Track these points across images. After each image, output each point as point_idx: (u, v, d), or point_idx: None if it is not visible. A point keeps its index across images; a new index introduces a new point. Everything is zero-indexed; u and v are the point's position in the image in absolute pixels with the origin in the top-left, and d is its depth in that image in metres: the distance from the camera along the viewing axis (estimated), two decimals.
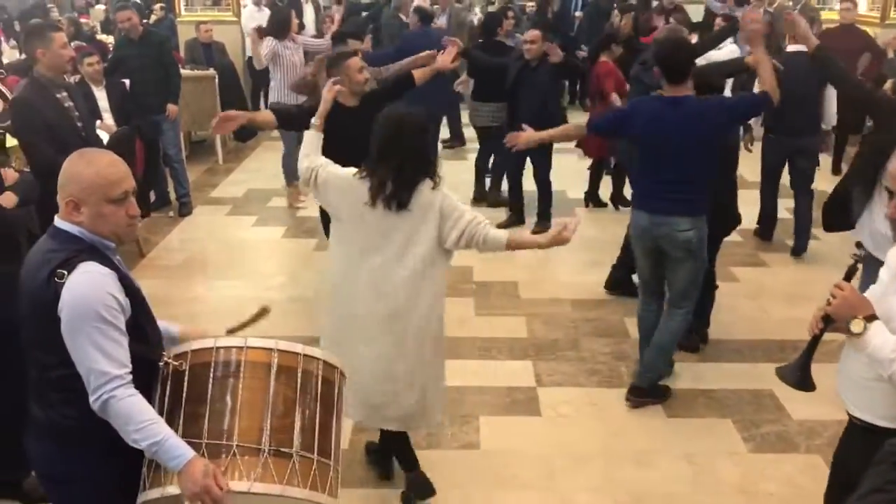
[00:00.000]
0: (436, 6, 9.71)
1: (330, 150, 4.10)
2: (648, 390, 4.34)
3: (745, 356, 4.77)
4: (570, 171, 8.08)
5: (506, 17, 7.89)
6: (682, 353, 4.72)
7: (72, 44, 7.89)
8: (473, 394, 4.44)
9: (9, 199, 3.48)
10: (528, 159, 6.84)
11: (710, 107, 4.04)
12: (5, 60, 8.79)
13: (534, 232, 6.73)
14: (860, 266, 2.40)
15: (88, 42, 9.66)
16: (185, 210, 7.29)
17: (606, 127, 4.46)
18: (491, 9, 13.43)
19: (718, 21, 8.00)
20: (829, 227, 4.33)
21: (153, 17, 11.08)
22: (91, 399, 2.10)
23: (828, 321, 2.29)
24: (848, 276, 2.35)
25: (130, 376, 2.13)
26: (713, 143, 4.02)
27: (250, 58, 9.74)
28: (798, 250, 6.29)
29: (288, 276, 6.14)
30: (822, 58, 4.13)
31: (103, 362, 2.09)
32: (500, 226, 6.81)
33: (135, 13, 7.27)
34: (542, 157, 6.77)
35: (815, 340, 2.39)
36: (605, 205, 7.60)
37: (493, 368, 4.71)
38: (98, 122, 5.95)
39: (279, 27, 7.24)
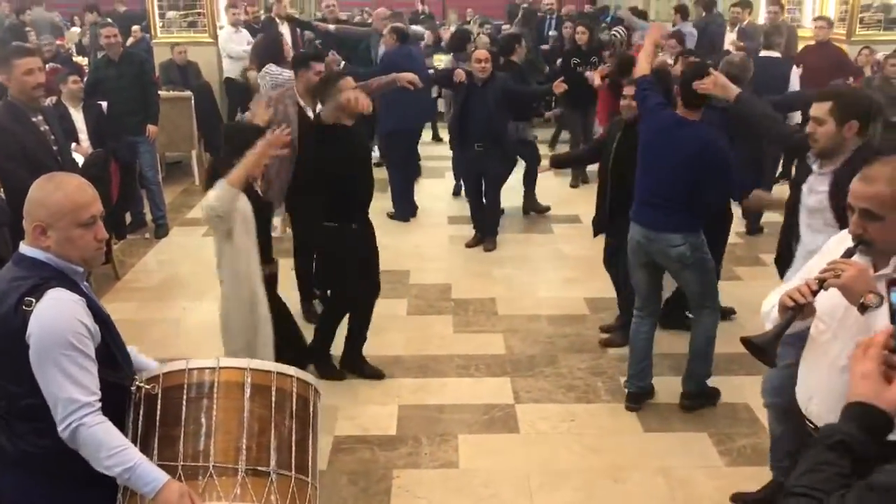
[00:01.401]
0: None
1: (336, 171, 4.19)
2: (700, 394, 4.42)
3: (721, 369, 4.80)
4: (553, 191, 8.15)
5: (518, 44, 8.06)
6: (658, 367, 4.75)
7: (48, 66, 7.90)
8: (452, 412, 4.44)
9: None
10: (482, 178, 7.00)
11: (711, 145, 4.07)
12: None
13: (485, 248, 6.94)
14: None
15: (65, 64, 9.63)
16: (161, 232, 7.26)
17: (643, 93, 4.36)
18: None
19: (672, 43, 8.21)
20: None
21: (130, 39, 11.07)
22: (60, 428, 2.08)
23: (818, 291, 2.20)
24: (848, 255, 2.27)
25: (100, 403, 2.11)
26: (710, 173, 4.05)
27: (227, 78, 9.79)
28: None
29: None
30: (745, 101, 3.93)
31: (72, 390, 2.07)
32: (467, 245, 6.91)
33: (118, 31, 7.27)
34: (495, 176, 6.94)
35: (798, 310, 2.24)
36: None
37: (472, 386, 4.71)
38: (74, 144, 5.92)
39: (273, 49, 7.07)
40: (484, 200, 7.05)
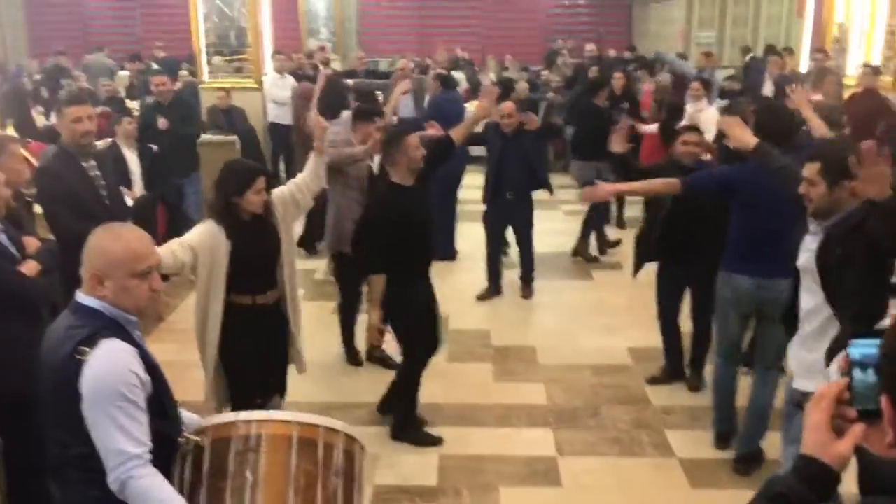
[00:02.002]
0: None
1: (398, 234, 4.19)
2: (752, 455, 4.30)
3: (772, 424, 4.67)
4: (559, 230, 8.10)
5: (604, 86, 8.29)
6: (703, 420, 4.65)
7: (99, 108, 8.11)
8: (493, 463, 4.37)
9: (31, 268, 3.48)
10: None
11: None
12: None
13: (523, 295, 6.88)
14: None
15: (116, 107, 9.90)
16: None
17: (705, 188, 4.35)
18: (506, 75, 13.70)
19: (695, 86, 8.19)
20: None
21: (178, 84, 11.35)
22: (110, 479, 2.08)
23: None
24: None
25: (150, 455, 2.11)
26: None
27: (271, 123, 9.95)
28: None
29: (304, 341, 6.10)
30: (762, 152, 3.81)
31: (123, 441, 2.08)
32: (479, 297, 6.85)
33: (169, 79, 7.47)
34: (526, 224, 6.86)
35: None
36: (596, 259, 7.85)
37: (513, 436, 4.64)
38: (126, 190, 6.05)
39: (340, 101, 6.84)
40: (517, 249, 7.02)
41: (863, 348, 1.35)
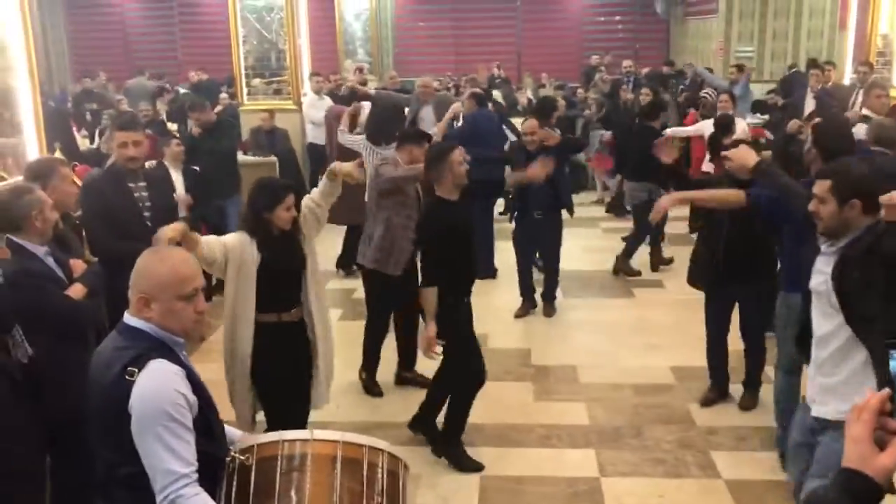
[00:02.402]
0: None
1: (448, 248, 4.27)
2: None
3: None
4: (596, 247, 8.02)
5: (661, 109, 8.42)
6: (750, 441, 4.55)
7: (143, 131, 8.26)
8: (534, 484, 4.32)
9: (77, 291, 3.52)
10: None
11: None
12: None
13: (546, 314, 6.81)
14: None
15: (158, 130, 10.07)
16: None
17: (770, 204, 4.20)
18: (543, 92, 13.69)
19: (723, 98, 8.21)
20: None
21: (218, 107, 11.52)
22: (158, 499, 2.10)
23: None
24: None
25: (197, 475, 2.12)
26: None
27: (310, 143, 10.05)
28: None
29: (342, 361, 6.10)
30: (763, 171, 3.76)
31: (171, 461, 2.09)
32: (516, 315, 6.80)
33: (207, 109, 7.58)
34: (554, 242, 6.81)
35: None
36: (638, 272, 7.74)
37: (554, 457, 4.59)
38: (183, 197, 6.20)
39: (389, 127, 6.31)
40: (540, 266, 6.99)
41: None
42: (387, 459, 2.33)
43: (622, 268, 7.79)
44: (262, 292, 3.83)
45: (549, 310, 6.88)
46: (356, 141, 6.68)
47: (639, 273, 7.77)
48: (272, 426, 3.94)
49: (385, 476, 2.30)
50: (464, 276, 4.48)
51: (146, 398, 2.11)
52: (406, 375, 5.58)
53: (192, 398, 2.18)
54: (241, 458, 2.23)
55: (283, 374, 3.93)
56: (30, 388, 3.04)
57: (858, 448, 1.32)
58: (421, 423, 4.76)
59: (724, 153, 3.99)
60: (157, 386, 2.13)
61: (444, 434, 4.60)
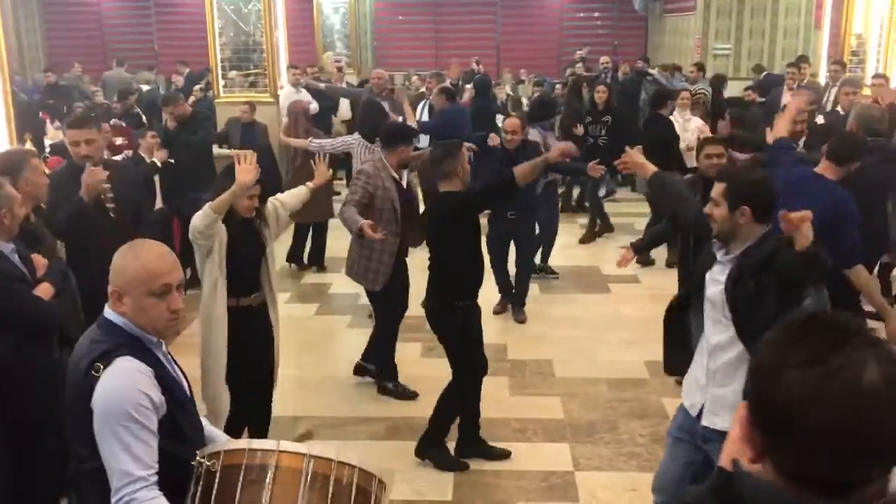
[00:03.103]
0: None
1: (456, 240, 4.28)
2: None
3: None
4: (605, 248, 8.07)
5: (667, 98, 8.41)
6: None
7: (112, 122, 8.18)
8: (509, 478, 4.33)
9: (45, 290, 3.43)
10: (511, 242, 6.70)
11: (840, 203, 4.06)
12: (49, 142, 9.05)
13: (517, 320, 6.64)
14: None
15: (134, 122, 9.97)
16: None
17: (781, 151, 4.50)
18: (521, 88, 13.70)
19: (684, 95, 8.32)
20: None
21: (192, 98, 11.40)
22: (113, 499, 2.06)
23: None
24: None
25: (156, 477, 2.08)
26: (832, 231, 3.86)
27: None
28: None
29: (320, 355, 6.10)
30: (656, 180, 3.76)
31: (128, 462, 2.05)
32: (494, 311, 6.67)
33: (181, 102, 7.49)
34: (529, 243, 6.72)
35: None
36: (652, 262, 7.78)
37: (529, 451, 4.60)
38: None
39: (376, 126, 6.31)
40: (514, 268, 6.80)
41: None
42: (358, 476, 2.22)
43: (643, 260, 7.64)
44: (229, 277, 3.97)
45: (520, 315, 6.68)
46: (347, 142, 6.71)
47: (653, 262, 7.80)
48: (236, 412, 4.09)
49: (354, 493, 2.20)
50: (474, 278, 4.39)
51: (107, 396, 2.07)
52: (365, 365, 5.51)
53: (159, 399, 2.13)
54: (208, 462, 2.16)
55: (243, 358, 4.04)
56: None
57: (734, 447, 1.30)
58: (429, 447, 4.52)
59: (619, 161, 3.97)
60: (119, 384, 2.09)
61: (432, 433, 4.49)
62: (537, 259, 7.43)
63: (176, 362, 2.39)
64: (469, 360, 4.42)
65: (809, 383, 1.14)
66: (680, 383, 5.19)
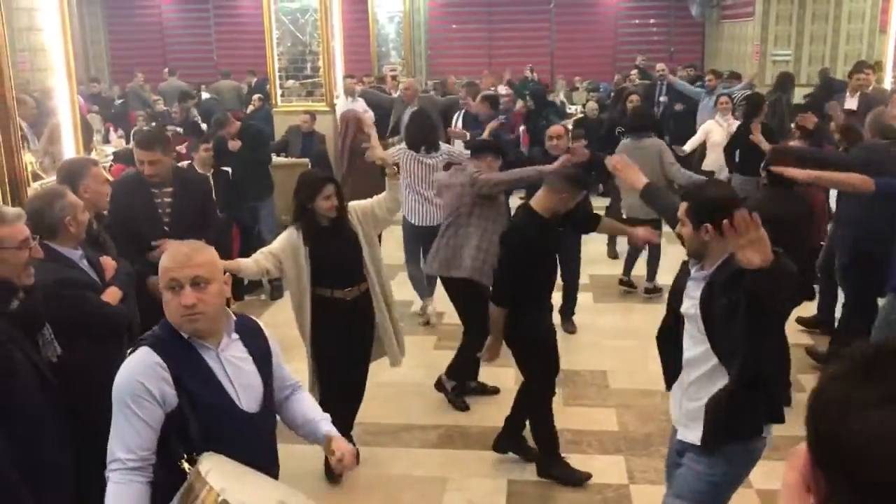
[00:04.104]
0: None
1: (533, 258, 4.29)
2: None
3: None
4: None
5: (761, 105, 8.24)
6: (784, 451, 4.49)
7: (169, 128, 8.35)
8: (563, 490, 4.30)
9: (114, 295, 3.53)
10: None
11: None
12: (110, 149, 9.28)
13: (567, 330, 6.38)
14: None
15: (192, 129, 10.18)
16: (276, 294, 7.44)
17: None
18: (576, 95, 13.63)
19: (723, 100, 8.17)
20: None
21: (250, 108, 11.61)
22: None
23: None
24: None
25: (138, 464, 2.20)
26: None
27: None
28: None
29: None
30: (648, 192, 3.73)
31: (115, 443, 2.22)
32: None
33: (231, 122, 7.60)
34: (571, 257, 6.49)
35: None
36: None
37: (583, 463, 4.55)
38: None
39: (423, 136, 6.52)
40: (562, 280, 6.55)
41: None
42: None
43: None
44: (316, 273, 4.25)
45: (569, 326, 6.61)
46: (394, 153, 6.76)
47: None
48: (323, 391, 4.39)
49: None
50: (546, 285, 4.44)
51: (118, 379, 2.27)
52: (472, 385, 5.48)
53: (164, 393, 2.22)
54: (186, 467, 2.19)
55: (333, 345, 4.34)
56: (58, 384, 3.07)
57: (790, 497, 1.27)
58: (509, 442, 4.60)
59: (612, 164, 3.99)
60: (125, 371, 2.26)
61: (543, 454, 4.46)
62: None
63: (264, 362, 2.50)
64: (546, 377, 4.49)
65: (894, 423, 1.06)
66: None
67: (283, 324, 6.83)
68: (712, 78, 11.36)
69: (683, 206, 3.02)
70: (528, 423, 4.54)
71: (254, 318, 2.73)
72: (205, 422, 2.27)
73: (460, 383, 5.40)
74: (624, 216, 7.26)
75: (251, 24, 16.45)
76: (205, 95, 13.86)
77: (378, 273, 4.45)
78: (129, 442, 2.20)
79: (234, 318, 2.49)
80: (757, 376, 2.91)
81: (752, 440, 3.03)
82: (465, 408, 5.28)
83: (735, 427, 2.97)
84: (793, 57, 13.78)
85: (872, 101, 8.70)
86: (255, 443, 2.41)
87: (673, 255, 7.71)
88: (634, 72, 13.38)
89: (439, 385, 5.43)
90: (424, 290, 6.81)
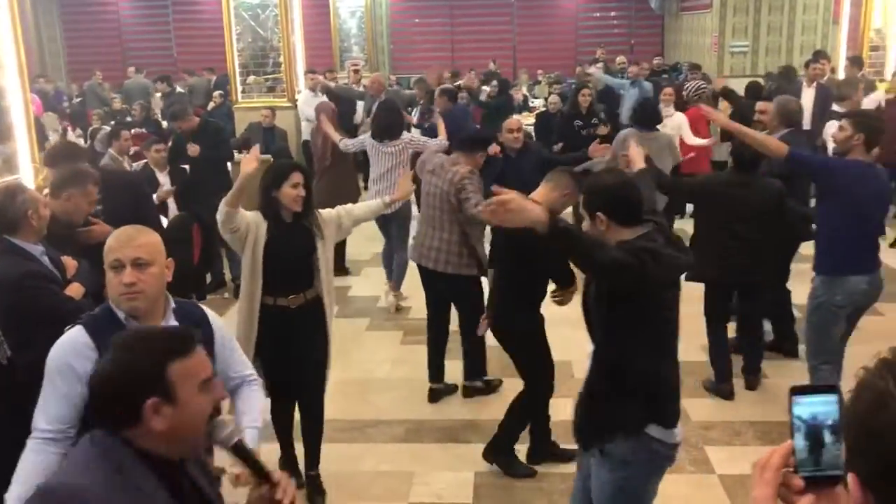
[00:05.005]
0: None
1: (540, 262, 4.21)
2: None
3: None
4: None
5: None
6: (743, 436, 4.55)
7: (133, 130, 8.23)
8: (529, 480, 4.33)
9: (76, 290, 3.51)
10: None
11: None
12: None
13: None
14: None
15: (152, 128, 10.05)
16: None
17: (805, 165, 4.57)
18: (538, 89, 13.66)
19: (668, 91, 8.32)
20: None
21: (211, 104, 11.49)
22: None
23: None
24: None
25: (54, 436, 2.29)
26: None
27: (305, 141, 10.04)
28: None
29: (338, 358, 6.10)
30: (648, 171, 3.94)
31: (38, 413, 2.33)
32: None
33: (189, 117, 7.49)
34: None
35: None
36: None
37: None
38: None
39: (389, 124, 6.69)
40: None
41: (814, 406, 1.19)
42: None
43: None
44: (266, 274, 3.93)
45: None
46: (361, 141, 6.85)
47: None
48: (272, 407, 4.07)
49: None
50: (544, 280, 4.39)
51: (49, 355, 2.36)
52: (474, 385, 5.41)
53: (87, 371, 2.20)
54: None
55: (274, 356, 3.99)
56: (12, 384, 3.03)
57: None
58: (500, 460, 4.46)
59: (624, 154, 4.15)
60: (56, 348, 2.37)
61: (502, 438, 4.45)
62: None
63: None
64: (544, 379, 4.51)
65: None
66: (705, 387, 5.21)
67: None
68: (635, 69, 11.33)
69: (581, 198, 2.98)
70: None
71: (202, 306, 2.74)
72: None
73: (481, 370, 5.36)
74: None
75: (211, 20, 16.27)
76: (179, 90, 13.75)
77: (329, 283, 4.12)
78: (49, 414, 2.30)
79: (174, 304, 2.54)
80: (621, 370, 2.85)
81: (639, 439, 2.87)
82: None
83: (603, 425, 2.91)
84: (750, 48, 13.99)
85: (827, 90, 8.87)
86: None
87: None
88: (600, 64, 13.38)
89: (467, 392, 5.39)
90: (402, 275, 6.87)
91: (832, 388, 1.20)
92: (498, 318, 4.39)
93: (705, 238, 5.18)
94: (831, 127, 6.13)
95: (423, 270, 5.30)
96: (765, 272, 5.05)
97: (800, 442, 1.19)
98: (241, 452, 1.85)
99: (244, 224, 3.89)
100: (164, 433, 1.69)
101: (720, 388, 5.19)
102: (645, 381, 2.87)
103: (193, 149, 6.98)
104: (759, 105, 6.58)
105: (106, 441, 1.70)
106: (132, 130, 8.69)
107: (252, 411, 2.62)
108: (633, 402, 2.86)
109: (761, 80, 10.28)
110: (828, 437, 1.18)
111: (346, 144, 7.03)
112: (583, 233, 2.76)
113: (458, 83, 11.15)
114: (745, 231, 4.87)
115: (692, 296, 5.12)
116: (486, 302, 5.09)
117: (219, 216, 3.86)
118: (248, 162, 3.88)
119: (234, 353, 2.67)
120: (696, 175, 9.42)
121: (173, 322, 2.48)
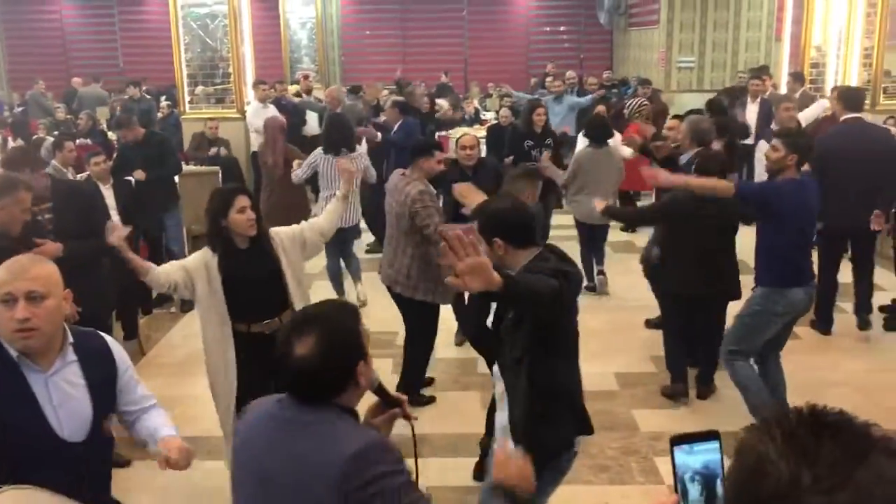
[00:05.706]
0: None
1: None
2: None
3: None
4: None
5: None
6: None
7: (77, 141, 8.06)
8: (474, 493, 4.30)
9: None
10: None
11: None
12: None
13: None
14: None
15: (98, 139, 9.86)
16: (186, 306, 7.23)
17: (754, 197, 4.71)
18: (489, 102, 13.75)
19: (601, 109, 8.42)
20: None
21: (159, 115, 11.31)
22: None
23: None
24: None
25: None
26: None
27: (254, 152, 9.93)
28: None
29: None
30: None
31: None
32: (457, 343, 6.31)
33: (134, 126, 7.35)
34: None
35: None
36: None
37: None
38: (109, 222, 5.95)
39: (341, 139, 6.85)
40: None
41: (704, 454, 1.16)
42: None
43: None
44: (233, 303, 3.80)
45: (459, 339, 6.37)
46: (312, 163, 6.88)
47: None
48: None
49: None
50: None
51: None
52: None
53: None
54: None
55: (250, 386, 3.73)
56: None
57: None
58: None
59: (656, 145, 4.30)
60: None
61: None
62: None
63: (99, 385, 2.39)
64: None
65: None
66: (666, 394, 5.26)
67: (194, 335, 6.68)
68: (554, 82, 11.19)
69: (477, 225, 2.95)
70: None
71: (104, 335, 2.57)
72: (17, 447, 2.20)
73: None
74: (577, 218, 7.44)
75: (159, 29, 16.01)
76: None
77: (306, 301, 3.90)
78: None
79: (73, 338, 2.37)
80: (552, 388, 2.89)
81: (565, 455, 3.02)
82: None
83: (548, 445, 2.92)
84: (696, 64, 14.29)
85: (769, 104, 9.11)
86: (79, 473, 2.31)
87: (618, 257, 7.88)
88: (550, 79, 13.49)
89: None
90: (341, 286, 7.06)
91: (713, 435, 1.18)
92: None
93: (671, 252, 5.25)
94: (763, 146, 6.29)
95: (389, 291, 5.30)
96: (729, 284, 5.11)
97: (695, 494, 1.15)
98: (381, 389, 2.22)
99: (178, 278, 3.76)
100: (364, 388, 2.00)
101: (675, 387, 5.28)
102: (570, 390, 2.99)
103: (139, 174, 6.78)
104: (670, 122, 6.74)
105: (333, 410, 1.93)
106: (77, 141, 8.51)
107: (166, 422, 2.56)
108: (568, 414, 2.97)
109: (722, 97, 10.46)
110: (720, 489, 1.15)
111: (297, 175, 6.99)
112: (518, 275, 2.71)
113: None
114: (711, 244, 4.98)
115: (639, 307, 5.20)
116: (434, 330, 5.30)
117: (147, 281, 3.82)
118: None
119: (135, 388, 2.55)
120: (638, 193, 9.56)
121: (72, 358, 2.33)
